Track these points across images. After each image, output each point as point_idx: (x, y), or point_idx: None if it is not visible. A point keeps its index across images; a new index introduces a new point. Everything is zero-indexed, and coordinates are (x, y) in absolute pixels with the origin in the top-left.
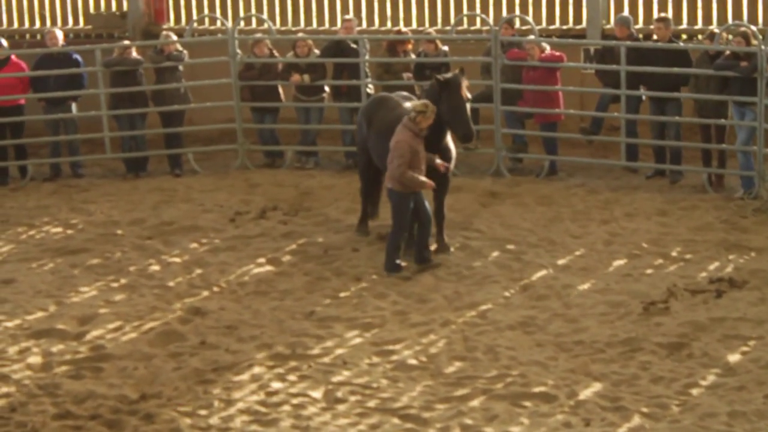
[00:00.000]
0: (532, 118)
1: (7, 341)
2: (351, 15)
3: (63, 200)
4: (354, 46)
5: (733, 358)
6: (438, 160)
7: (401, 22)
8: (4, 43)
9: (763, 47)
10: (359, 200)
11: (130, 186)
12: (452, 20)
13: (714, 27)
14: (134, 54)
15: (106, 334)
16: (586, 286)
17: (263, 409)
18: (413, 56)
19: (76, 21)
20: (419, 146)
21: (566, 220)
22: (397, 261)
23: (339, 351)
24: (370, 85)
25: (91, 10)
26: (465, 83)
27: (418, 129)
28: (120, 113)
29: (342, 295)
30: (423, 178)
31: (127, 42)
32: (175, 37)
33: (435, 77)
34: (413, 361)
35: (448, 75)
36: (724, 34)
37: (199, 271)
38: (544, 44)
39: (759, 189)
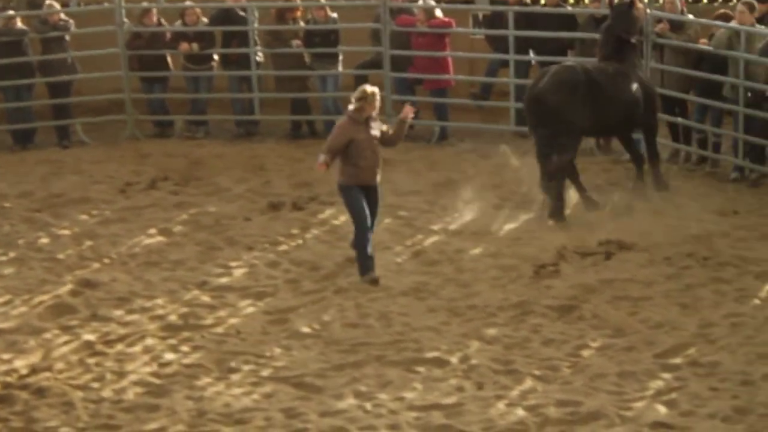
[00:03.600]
0: (422, 85)
1: None
2: None
3: None
4: (242, 14)
5: (622, 319)
6: (403, 114)
7: None
8: None
9: (648, 11)
10: (250, 169)
11: (18, 158)
12: None
13: None
14: (19, 24)
15: None
16: (477, 250)
17: (156, 381)
18: (302, 24)
19: None
20: (360, 134)
21: (457, 186)
22: (365, 262)
23: (232, 321)
24: (259, 53)
25: None
26: None
27: (358, 116)
28: (5, 84)
29: (234, 264)
30: (322, 157)
31: (11, 12)
32: (59, 7)
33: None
34: (306, 329)
35: None
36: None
37: (89, 243)
38: (437, 11)
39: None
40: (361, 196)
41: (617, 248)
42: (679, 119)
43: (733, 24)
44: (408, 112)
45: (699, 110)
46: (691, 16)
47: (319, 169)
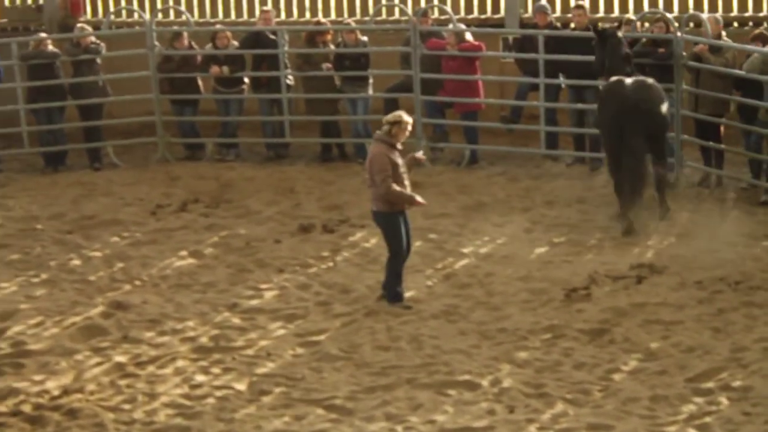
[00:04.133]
0: (452, 108)
1: None
2: (269, 6)
3: None
4: (273, 37)
5: (654, 343)
6: (417, 154)
7: (320, 13)
8: None
9: (679, 34)
10: (280, 191)
11: (50, 180)
12: (371, 10)
13: (630, 14)
14: (51, 47)
15: (27, 330)
16: (508, 273)
17: (187, 402)
18: (332, 47)
19: None
20: (398, 158)
21: (487, 209)
22: (398, 289)
23: (263, 343)
24: (290, 76)
25: (7, 2)
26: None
27: (392, 141)
28: (38, 107)
29: (265, 286)
30: (412, 194)
31: (43, 34)
32: (91, 30)
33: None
34: (337, 352)
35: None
36: (639, 23)
37: (120, 264)
38: (467, 34)
39: (678, 175)
40: (401, 223)
41: (649, 272)
42: (711, 143)
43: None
44: (421, 158)
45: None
46: (728, 41)
47: (422, 204)
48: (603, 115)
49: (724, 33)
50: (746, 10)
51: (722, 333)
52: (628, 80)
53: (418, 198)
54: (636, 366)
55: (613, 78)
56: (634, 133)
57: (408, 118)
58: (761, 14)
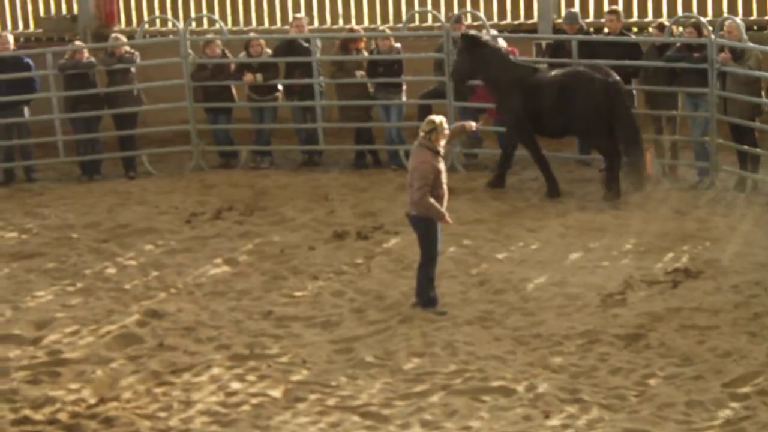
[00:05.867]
0: (486, 113)
1: None
2: (302, 14)
3: (17, 205)
4: (306, 44)
5: (690, 347)
6: (469, 123)
7: (353, 20)
8: None
9: (713, 38)
10: (314, 198)
11: (85, 189)
12: (404, 17)
13: (664, 19)
14: (86, 56)
15: (63, 339)
16: (542, 279)
17: (223, 410)
18: (366, 54)
19: (26, 25)
20: (440, 165)
21: (522, 214)
22: (432, 294)
23: (298, 350)
24: (323, 84)
25: (42, 13)
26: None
27: (435, 147)
28: (76, 116)
29: (299, 293)
30: (443, 211)
31: (78, 44)
32: (125, 39)
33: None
34: (371, 359)
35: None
36: (674, 27)
37: (155, 273)
38: (500, 39)
39: (713, 179)
40: (437, 228)
41: (684, 276)
42: (745, 147)
43: None
44: (471, 126)
45: None
46: (751, 44)
47: (449, 223)
48: (587, 104)
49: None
50: None
51: (758, 337)
52: (575, 69)
53: (447, 217)
54: (672, 371)
55: (558, 71)
56: (626, 108)
57: (439, 119)
58: None
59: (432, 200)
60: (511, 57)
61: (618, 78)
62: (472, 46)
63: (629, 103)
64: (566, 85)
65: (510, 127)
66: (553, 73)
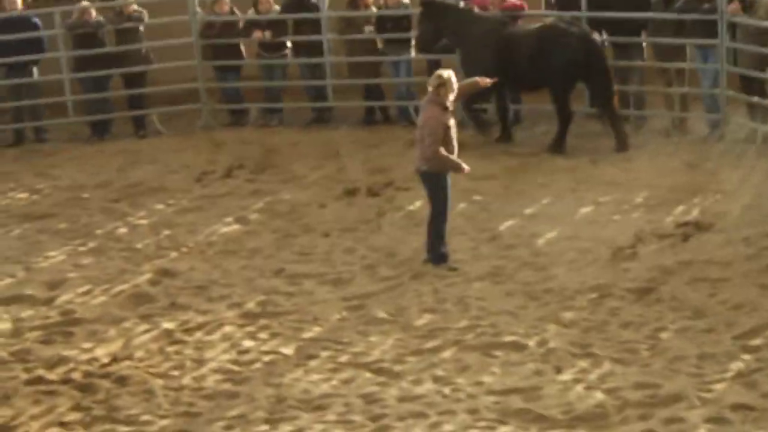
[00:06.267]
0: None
1: None
2: None
3: (27, 166)
4: (314, 1)
5: (701, 300)
6: (486, 79)
7: None
8: None
9: None
10: (324, 156)
11: (95, 149)
12: None
13: None
14: (94, 15)
15: (75, 299)
16: (553, 234)
17: (235, 368)
18: (374, 10)
19: None
20: (450, 120)
21: (532, 169)
22: (443, 250)
23: (309, 307)
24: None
25: None
26: None
27: (444, 102)
28: (85, 76)
29: (310, 251)
30: (458, 160)
31: (86, 3)
32: None
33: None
34: (383, 315)
35: None
36: None
37: (167, 232)
38: None
39: (724, 131)
40: (447, 182)
41: (695, 229)
42: (756, 98)
43: None
44: (486, 81)
45: None
46: None
47: (466, 171)
48: (564, 57)
49: None
50: None
51: None
52: (551, 22)
53: (464, 165)
54: (683, 324)
55: (533, 25)
56: (603, 62)
57: (447, 74)
58: None
59: (445, 153)
60: (477, 11)
61: (592, 33)
62: (432, 13)
63: (605, 57)
64: (544, 37)
65: None
66: (528, 26)
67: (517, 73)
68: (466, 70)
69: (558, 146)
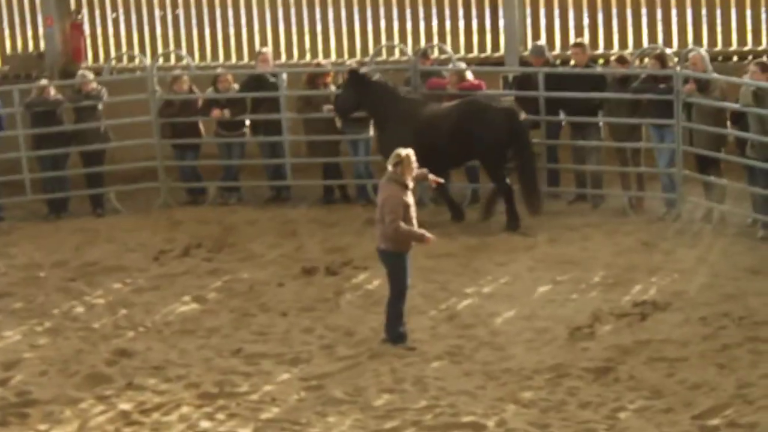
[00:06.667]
0: None
1: None
2: (268, 48)
3: None
4: (273, 79)
5: (659, 380)
6: (431, 175)
7: (320, 55)
8: None
9: (678, 69)
10: (283, 234)
11: (53, 227)
12: (371, 51)
13: (629, 51)
14: (53, 93)
15: (31, 379)
16: (511, 313)
17: None
18: (333, 88)
19: None
20: (410, 198)
21: (490, 248)
22: (402, 330)
23: (267, 387)
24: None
25: (8, 51)
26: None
27: (403, 180)
28: (43, 154)
29: (269, 330)
30: (421, 231)
31: (45, 81)
32: (92, 76)
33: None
34: (342, 395)
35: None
36: (638, 60)
37: (124, 311)
38: (467, 72)
39: (680, 210)
40: (407, 263)
41: (652, 309)
42: (711, 177)
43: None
44: (433, 180)
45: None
46: (716, 75)
47: (431, 241)
48: (488, 132)
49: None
50: (745, 44)
51: (727, 369)
52: (470, 98)
53: (428, 234)
54: (642, 404)
55: (452, 102)
56: (525, 133)
57: (407, 152)
58: (760, 48)
59: (407, 227)
60: (400, 91)
61: (513, 104)
62: (356, 82)
63: (527, 128)
64: (465, 114)
65: None
66: (446, 104)
67: (438, 151)
68: (381, 146)
69: (513, 222)
